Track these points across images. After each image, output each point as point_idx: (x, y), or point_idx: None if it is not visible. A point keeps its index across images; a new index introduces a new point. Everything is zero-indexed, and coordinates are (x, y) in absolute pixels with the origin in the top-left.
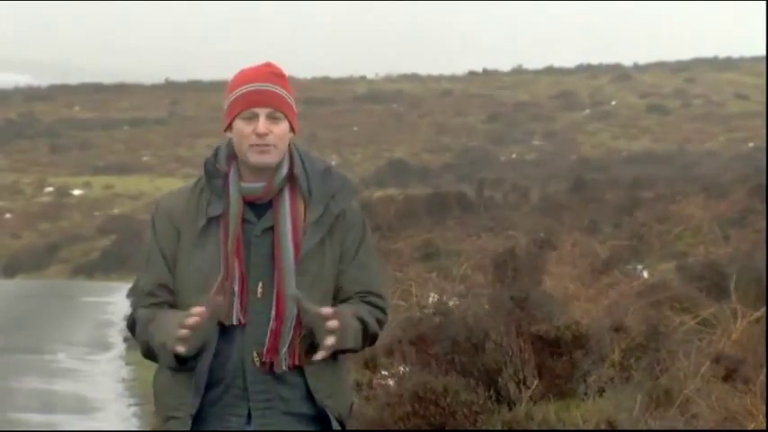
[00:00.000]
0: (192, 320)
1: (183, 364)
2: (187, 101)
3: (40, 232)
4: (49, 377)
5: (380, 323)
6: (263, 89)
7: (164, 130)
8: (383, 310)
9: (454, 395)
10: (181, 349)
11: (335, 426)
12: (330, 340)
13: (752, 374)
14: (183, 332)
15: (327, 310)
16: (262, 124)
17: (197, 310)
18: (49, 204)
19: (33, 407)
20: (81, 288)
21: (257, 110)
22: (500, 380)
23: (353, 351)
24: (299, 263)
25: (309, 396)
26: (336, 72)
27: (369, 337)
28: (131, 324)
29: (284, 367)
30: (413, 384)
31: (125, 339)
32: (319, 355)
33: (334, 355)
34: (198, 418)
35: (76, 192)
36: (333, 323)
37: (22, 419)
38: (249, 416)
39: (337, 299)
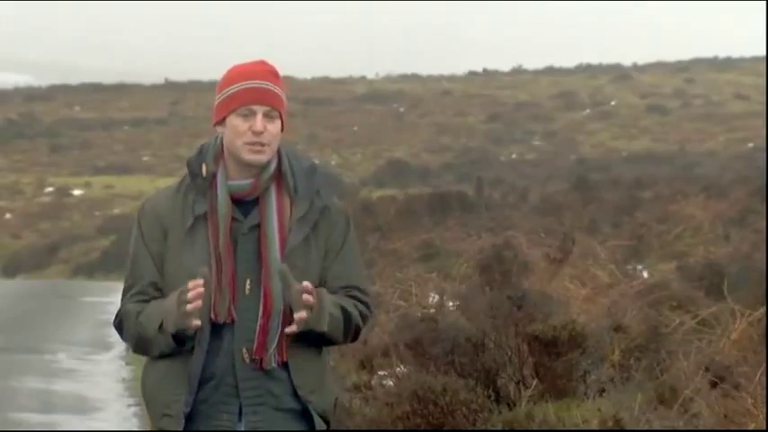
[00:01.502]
0: (194, 292)
1: (181, 345)
2: (187, 101)
3: (40, 232)
4: (49, 377)
5: (364, 317)
6: (261, 87)
7: (164, 130)
8: (367, 306)
9: (453, 395)
10: (197, 322)
11: (319, 423)
12: (302, 314)
13: (752, 374)
14: (192, 305)
15: (306, 284)
16: (259, 122)
17: (194, 282)
18: (49, 204)
19: (33, 407)
20: (81, 288)
21: (255, 107)
22: (499, 380)
23: (334, 342)
24: (284, 258)
25: (297, 391)
26: (336, 72)
27: (352, 329)
28: (118, 323)
29: (273, 364)
30: (412, 384)
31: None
32: (291, 329)
33: (317, 349)
34: (188, 416)
35: (76, 192)
36: (308, 297)
37: (22, 419)
38: (240, 412)
39: None
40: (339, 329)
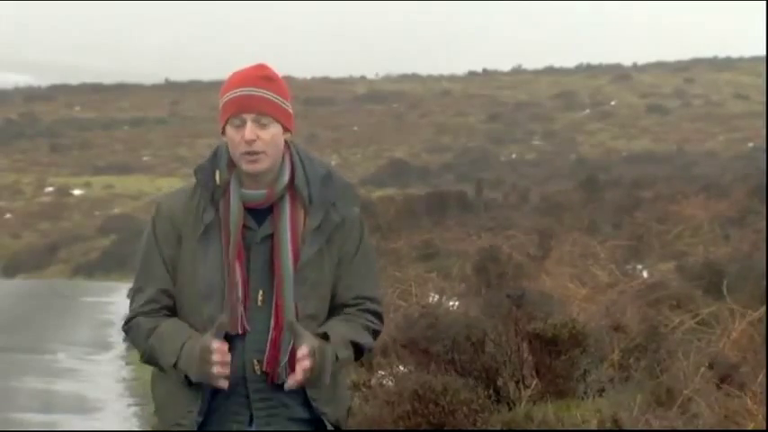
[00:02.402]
0: (222, 359)
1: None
2: (187, 101)
3: (40, 232)
4: (50, 377)
5: (376, 334)
6: (249, 94)
7: (164, 130)
8: (379, 316)
9: (454, 394)
10: (223, 384)
11: (331, 429)
12: (298, 377)
13: (751, 374)
14: (220, 371)
15: (303, 351)
16: (248, 131)
17: (217, 346)
18: (49, 204)
19: (33, 407)
20: (81, 288)
21: (244, 116)
22: (499, 379)
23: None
24: (298, 271)
25: (309, 401)
26: (336, 72)
27: (360, 355)
28: (127, 329)
29: (284, 378)
30: (412, 383)
31: (125, 339)
32: (289, 385)
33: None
34: (201, 427)
35: (76, 192)
36: (306, 363)
37: (22, 419)
38: (251, 421)
39: (334, 303)
40: (347, 363)
